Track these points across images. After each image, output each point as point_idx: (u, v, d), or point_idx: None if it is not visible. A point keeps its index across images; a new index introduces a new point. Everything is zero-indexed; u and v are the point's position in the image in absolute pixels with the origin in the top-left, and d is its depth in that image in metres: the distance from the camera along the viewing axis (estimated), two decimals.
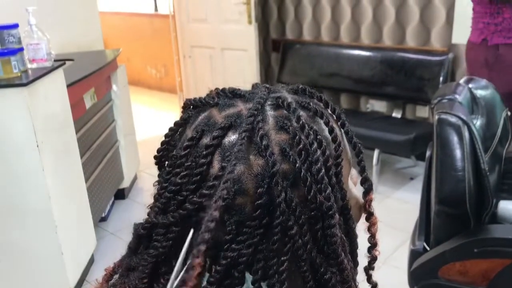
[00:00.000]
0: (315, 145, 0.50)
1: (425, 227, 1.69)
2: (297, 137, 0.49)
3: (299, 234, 0.48)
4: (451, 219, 1.49)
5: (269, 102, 0.52)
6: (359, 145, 0.58)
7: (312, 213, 0.49)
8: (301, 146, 0.49)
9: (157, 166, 0.58)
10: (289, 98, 0.54)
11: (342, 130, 0.57)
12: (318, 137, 0.50)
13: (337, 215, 0.50)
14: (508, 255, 1.40)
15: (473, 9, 2.42)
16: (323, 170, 0.49)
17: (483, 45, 2.34)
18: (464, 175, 1.39)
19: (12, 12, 2.19)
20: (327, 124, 0.53)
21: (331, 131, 0.53)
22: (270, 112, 0.51)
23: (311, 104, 0.53)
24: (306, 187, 0.48)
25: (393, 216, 2.76)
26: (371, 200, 0.60)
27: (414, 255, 1.63)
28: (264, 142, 0.48)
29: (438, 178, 1.46)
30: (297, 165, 0.48)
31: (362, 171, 0.59)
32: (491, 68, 2.32)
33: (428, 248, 1.60)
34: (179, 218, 0.50)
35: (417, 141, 2.94)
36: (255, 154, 0.48)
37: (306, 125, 0.50)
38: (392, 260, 2.37)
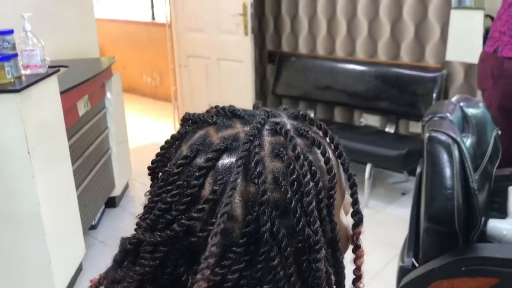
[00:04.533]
0: (309, 176, 0.49)
1: (414, 243, 1.69)
2: (291, 166, 0.49)
3: (282, 265, 0.48)
4: (440, 236, 1.49)
5: (267, 127, 0.52)
6: (354, 177, 0.57)
7: (299, 245, 0.49)
8: (294, 176, 0.48)
9: (150, 177, 0.58)
10: (288, 124, 0.53)
11: (339, 160, 0.56)
12: (312, 168, 0.50)
13: (323, 250, 0.50)
14: (496, 274, 1.40)
15: (497, 17, 2.34)
16: (314, 203, 0.49)
17: (493, 55, 2.29)
18: (453, 193, 1.40)
19: (7, 18, 2.20)
20: (323, 154, 0.52)
21: (327, 162, 0.52)
22: (267, 138, 0.51)
23: (309, 132, 0.53)
24: (295, 219, 0.48)
25: (384, 231, 2.77)
26: (359, 233, 0.60)
27: (402, 271, 1.62)
28: (258, 169, 0.47)
29: (427, 195, 1.47)
30: (288, 195, 0.48)
31: (354, 203, 0.58)
32: (496, 81, 2.30)
33: (416, 265, 1.60)
34: (166, 239, 0.49)
35: (409, 156, 2.95)
36: (247, 180, 0.48)
37: (301, 155, 0.50)
38: (382, 275, 2.36)
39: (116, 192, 3.13)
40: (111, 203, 3.11)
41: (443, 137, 1.45)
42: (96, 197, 2.78)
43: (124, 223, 2.94)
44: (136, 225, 0.54)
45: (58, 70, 2.21)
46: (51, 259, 2.03)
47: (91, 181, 2.68)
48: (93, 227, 2.85)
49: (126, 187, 3.36)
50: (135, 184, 3.47)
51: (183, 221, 0.49)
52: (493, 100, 2.30)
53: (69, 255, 2.28)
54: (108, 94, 3.02)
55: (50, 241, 2.02)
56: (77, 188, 2.40)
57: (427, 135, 1.49)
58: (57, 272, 2.07)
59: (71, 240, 2.32)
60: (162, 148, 0.57)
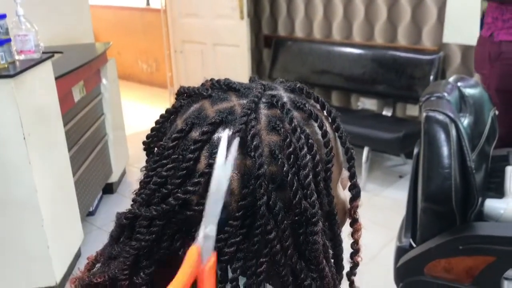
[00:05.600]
0: (305, 149, 0.49)
1: (411, 224, 1.69)
2: (288, 139, 0.48)
3: (278, 238, 0.47)
4: (437, 216, 1.50)
5: (263, 100, 0.51)
6: (352, 151, 0.57)
7: (296, 218, 0.48)
8: (291, 149, 0.48)
9: (145, 152, 0.57)
10: (285, 97, 0.53)
11: (336, 134, 0.56)
12: (309, 141, 0.49)
13: (320, 223, 0.49)
14: (492, 252, 1.41)
15: (489, 4, 2.36)
16: (311, 176, 0.49)
17: (490, 39, 2.31)
18: (451, 172, 1.40)
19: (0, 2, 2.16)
20: (321, 127, 0.52)
21: (324, 135, 0.52)
22: (263, 111, 0.50)
23: (306, 105, 0.52)
24: (292, 192, 0.47)
25: (382, 214, 2.78)
26: (357, 207, 0.59)
27: (400, 252, 1.63)
28: (254, 142, 0.47)
29: (424, 175, 1.47)
30: (284, 168, 0.47)
31: (351, 177, 0.58)
32: (493, 64, 2.31)
33: (414, 245, 1.61)
34: (162, 213, 0.49)
35: (406, 139, 2.95)
36: (244, 154, 0.47)
37: (298, 127, 0.49)
38: (380, 257, 2.38)
39: (114, 178, 3.13)
40: (109, 189, 3.11)
41: (440, 117, 1.44)
42: (94, 184, 2.78)
43: (121, 208, 2.88)
44: (132, 200, 0.54)
45: (53, 56, 2.19)
46: (49, 245, 2.03)
47: (88, 168, 2.67)
48: (91, 214, 2.84)
49: (123, 173, 3.36)
50: (132, 170, 3.47)
51: (178, 194, 0.48)
52: (491, 83, 2.31)
53: (67, 241, 2.28)
54: (104, 80, 3.00)
55: (48, 227, 2.02)
56: (74, 174, 2.39)
57: (424, 114, 1.49)
58: (55, 257, 2.08)
59: (69, 226, 2.32)
60: (157, 122, 0.56)
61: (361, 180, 3.11)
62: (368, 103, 3.59)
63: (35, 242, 2.02)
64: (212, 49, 4.19)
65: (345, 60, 3.54)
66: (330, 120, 0.56)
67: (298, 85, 0.56)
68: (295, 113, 0.51)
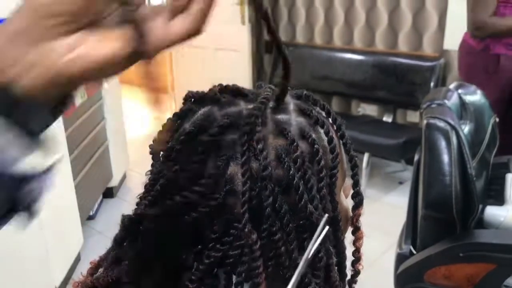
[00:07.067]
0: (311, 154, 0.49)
1: (412, 230, 1.69)
2: (295, 144, 0.49)
3: (283, 241, 0.48)
4: (437, 223, 1.50)
5: (271, 105, 0.52)
6: (356, 158, 0.57)
7: (301, 222, 0.49)
8: (297, 153, 0.48)
9: (151, 155, 0.58)
10: (292, 103, 0.53)
11: (341, 141, 0.56)
12: (315, 146, 0.50)
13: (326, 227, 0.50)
14: (493, 260, 1.41)
15: None
16: (316, 181, 0.49)
17: (485, 52, 2.22)
18: (451, 179, 1.40)
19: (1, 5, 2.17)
20: (327, 134, 0.52)
21: (330, 141, 0.52)
22: (270, 116, 0.51)
23: (313, 111, 0.53)
24: (297, 195, 0.48)
25: (382, 220, 2.77)
26: (359, 215, 0.60)
27: (400, 258, 1.63)
28: (259, 146, 0.47)
29: (425, 182, 1.47)
30: (290, 172, 0.48)
31: (355, 185, 0.58)
32: (491, 76, 2.25)
33: (414, 252, 1.61)
34: (168, 209, 0.49)
35: (407, 145, 2.95)
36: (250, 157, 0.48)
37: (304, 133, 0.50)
38: (380, 263, 2.37)
39: (114, 182, 3.13)
40: (109, 193, 3.11)
41: (441, 124, 1.44)
42: (94, 188, 2.78)
43: (122, 213, 2.93)
44: (136, 204, 0.54)
45: None
46: (48, 249, 2.02)
47: (88, 172, 2.67)
48: (91, 218, 2.84)
49: (124, 178, 3.36)
50: (133, 175, 3.47)
51: (185, 193, 0.48)
52: (490, 94, 2.26)
53: (67, 245, 2.27)
54: (105, 85, 3.00)
55: (48, 231, 2.01)
56: (74, 178, 2.40)
57: (425, 121, 1.49)
58: (55, 262, 2.07)
59: (69, 230, 2.32)
60: (164, 125, 0.56)
61: (361, 186, 3.10)
62: (368, 109, 3.60)
63: (34, 245, 2.02)
64: (213, 54, 4.20)
65: (345, 66, 3.54)
66: (335, 128, 0.56)
67: (304, 92, 0.57)
68: (302, 119, 0.52)
